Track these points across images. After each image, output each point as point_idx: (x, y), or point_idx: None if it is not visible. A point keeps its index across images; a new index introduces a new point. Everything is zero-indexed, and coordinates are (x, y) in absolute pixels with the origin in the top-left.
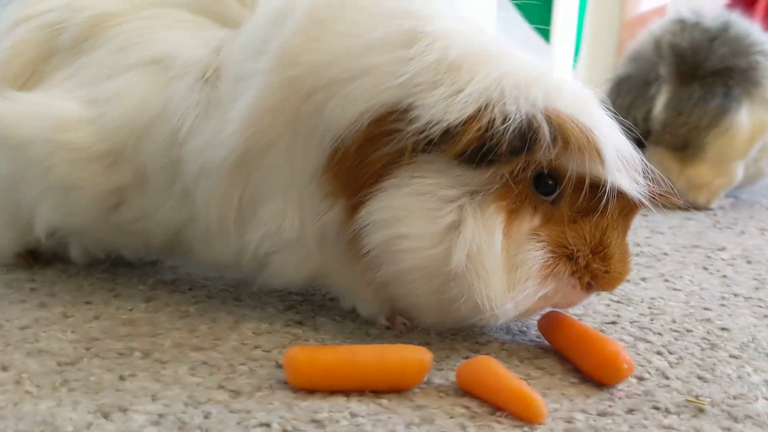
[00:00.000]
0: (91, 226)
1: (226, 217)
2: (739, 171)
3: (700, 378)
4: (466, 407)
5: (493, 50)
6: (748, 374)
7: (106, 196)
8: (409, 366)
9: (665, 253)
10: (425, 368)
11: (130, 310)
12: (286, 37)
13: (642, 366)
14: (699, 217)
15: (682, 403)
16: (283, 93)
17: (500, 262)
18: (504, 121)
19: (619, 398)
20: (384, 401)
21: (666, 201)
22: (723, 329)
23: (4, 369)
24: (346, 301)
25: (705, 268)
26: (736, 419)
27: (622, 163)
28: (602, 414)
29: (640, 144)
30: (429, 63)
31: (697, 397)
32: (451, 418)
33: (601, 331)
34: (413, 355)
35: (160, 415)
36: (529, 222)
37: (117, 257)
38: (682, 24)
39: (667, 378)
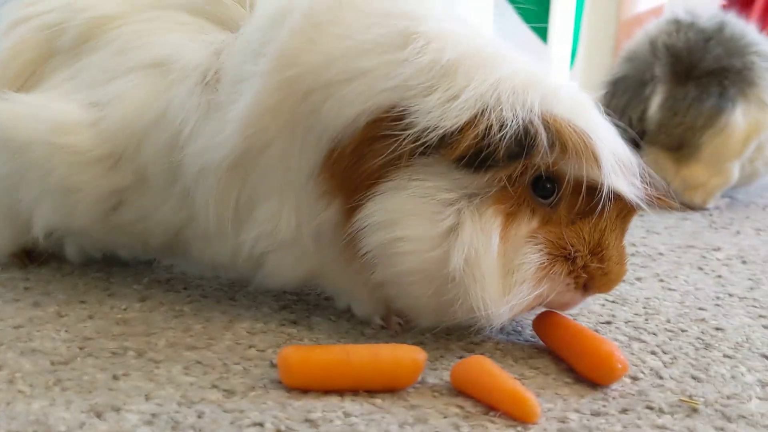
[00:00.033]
0: (90, 227)
1: (223, 217)
2: (735, 171)
3: (694, 378)
4: (460, 407)
5: (489, 53)
6: (742, 374)
7: (106, 197)
8: (403, 366)
9: (661, 253)
10: (419, 368)
11: (125, 309)
12: (284, 39)
13: (636, 366)
14: (695, 218)
15: (675, 403)
16: (281, 94)
17: (497, 266)
18: (501, 127)
19: (613, 398)
20: (378, 401)
21: (663, 204)
22: (717, 329)
23: None
24: (341, 301)
25: (700, 268)
26: (729, 419)
27: (619, 167)
28: (596, 414)
29: (635, 145)
30: (423, 65)
31: (690, 396)
32: (445, 417)
33: (596, 330)
34: (407, 354)
35: (153, 415)
36: (527, 225)
37: (112, 256)
38: (677, 24)
39: (661, 378)
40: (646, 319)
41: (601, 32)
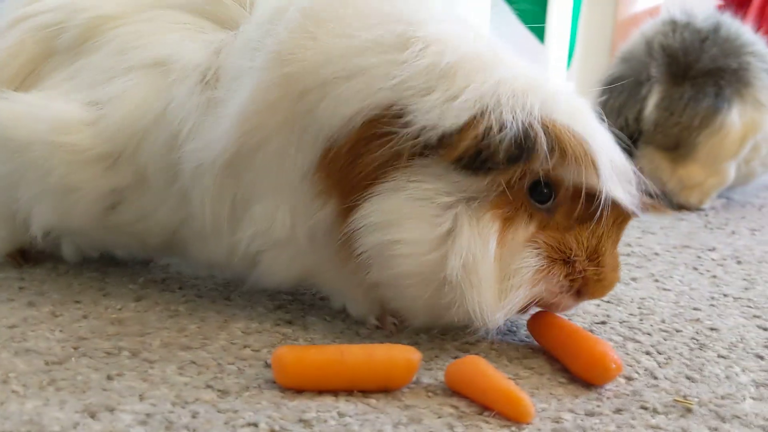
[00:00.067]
0: (88, 227)
1: (219, 215)
2: (731, 171)
3: (688, 378)
4: (455, 407)
5: (489, 57)
6: (736, 374)
7: (105, 197)
8: (397, 366)
9: (656, 253)
10: (414, 368)
11: (120, 309)
12: (282, 36)
13: (630, 366)
14: (690, 218)
15: (669, 403)
16: (278, 91)
17: (493, 271)
18: (501, 129)
19: (607, 398)
20: (372, 401)
21: (657, 211)
22: (712, 329)
23: None
24: (336, 301)
25: (695, 269)
26: (723, 419)
27: (615, 174)
28: (590, 414)
29: (628, 152)
30: (422, 67)
31: (685, 397)
32: (439, 417)
33: (591, 331)
34: (402, 354)
35: (148, 415)
36: (525, 230)
37: (108, 256)
38: (673, 25)
39: (655, 378)
40: (641, 320)
41: (598, 32)
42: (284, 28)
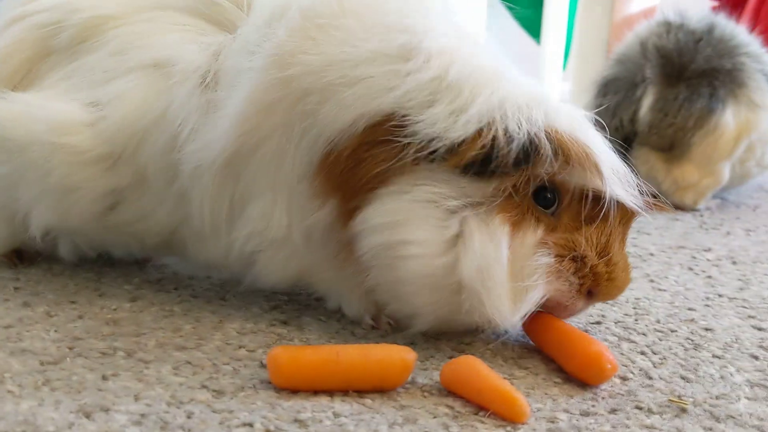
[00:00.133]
0: (87, 226)
1: (218, 215)
2: (726, 171)
3: (683, 378)
4: (450, 407)
5: (492, 71)
6: (731, 374)
7: (105, 197)
8: (393, 366)
9: (651, 254)
10: (409, 368)
11: (115, 309)
12: (282, 37)
13: (626, 366)
14: (686, 218)
15: (664, 403)
16: (277, 92)
17: (507, 274)
18: (508, 138)
19: (602, 398)
20: (368, 401)
21: (659, 209)
22: (707, 329)
23: None
24: (332, 301)
25: (690, 269)
26: (718, 419)
27: (617, 176)
28: (585, 414)
29: (628, 144)
30: (426, 80)
31: (679, 397)
32: (435, 417)
33: (586, 331)
34: (397, 354)
35: (142, 415)
36: (533, 233)
37: (104, 256)
38: (667, 26)
39: (650, 378)
40: (636, 320)
41: (594, 33)
42: (284, 31)
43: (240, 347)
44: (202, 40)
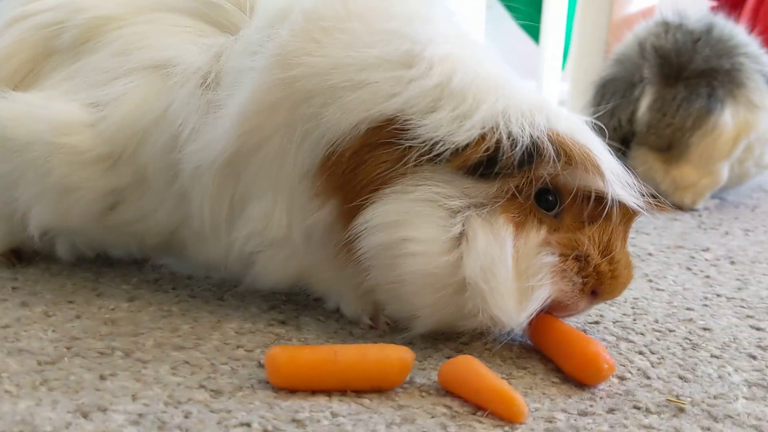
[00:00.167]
0: (87, 226)
1: (218, 215)
2: (724, 172)
3: (681, 378)
4: (448, 407)
5: (494, 79)
6: (729, 374)
7: (105, 197)
8: (390, 365)
9: (650, 254)
10: (407, 368)
11: (113, 309)
12: (285, 38)
13: (624, 366)
14: (684, 218)
15: (662, 403)
16: (280, 92)
17: (512, 274)
18: (511, 141)
19: (600, 398)
20: (366, 401)
21: (660, 209)
22: (705, 329)
23: None
24: (331, 301)
25: (689, 269)
26: (715, 419)
27: (617, 177)
28: (583, 413)
29: (626, 144)
30: (430, 86)
31: (677, 396)
32: (433, 417)
33: (584, 330)
34: (395, 354)
35: (140, 415)
36: (537, 234)
37: (102, 255)
38: (665, 26)
39: (648, 378)
40: (634, 320)
41: (592, 33)
42: (287, 32)
43: (238, 347)
44: (203, 42)
